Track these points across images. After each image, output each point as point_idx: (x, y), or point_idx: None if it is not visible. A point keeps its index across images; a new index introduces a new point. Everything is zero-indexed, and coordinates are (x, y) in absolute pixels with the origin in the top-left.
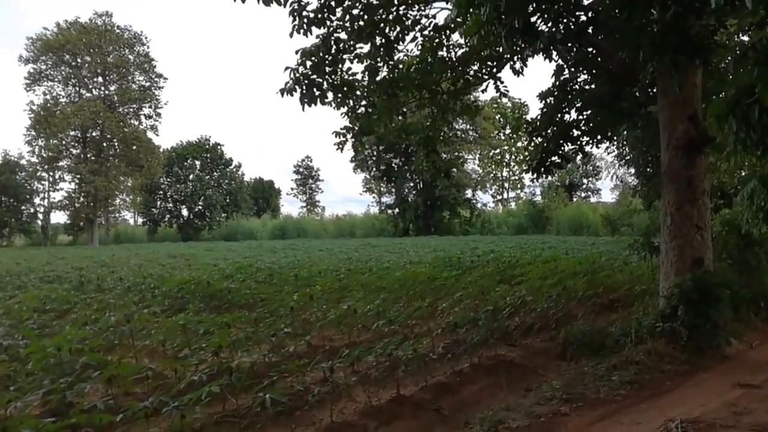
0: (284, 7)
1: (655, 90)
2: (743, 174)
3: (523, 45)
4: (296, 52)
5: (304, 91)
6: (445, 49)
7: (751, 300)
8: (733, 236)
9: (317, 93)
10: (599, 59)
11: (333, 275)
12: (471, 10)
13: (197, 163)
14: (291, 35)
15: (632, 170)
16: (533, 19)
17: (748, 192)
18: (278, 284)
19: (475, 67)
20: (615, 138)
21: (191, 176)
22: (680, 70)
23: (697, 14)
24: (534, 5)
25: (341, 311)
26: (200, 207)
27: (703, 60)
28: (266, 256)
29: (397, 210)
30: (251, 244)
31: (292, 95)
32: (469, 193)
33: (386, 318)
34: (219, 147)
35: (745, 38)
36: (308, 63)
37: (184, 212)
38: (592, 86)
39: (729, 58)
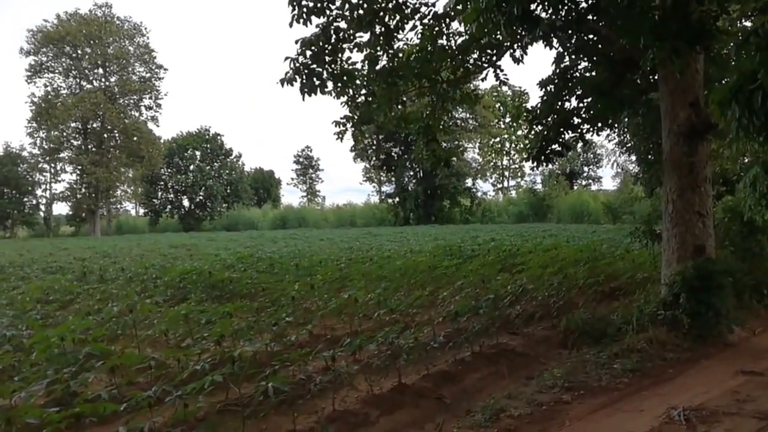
0: None
1: (655, 77)
2: (746, 160)
3: (522, 32)
4: (296, 42)
5: (304, 81)
6: (444, 37)
7: (754, 287)
8: (736, 223)
9: (317, 82)
10: (600, 46)
11: (334, 264)
12: None
13: (197, 153)
14: (290, 25)
15: (633, 157)
16: (532, 6)
17: (751, 179)
18: (279, 274)
19: (475, 56)
20: (616, 125)
21: (192, 167)
22: (681, 56)
23: (698, 0)
24: None
25: (342, 300)
26: (201, 197)
27: (704, 46)
28: (267, 246)
29: (397, 199)
30: (252, 234)
31: (292, 85)
32: (469, 181)
33: (387, 307)
34: (219, 137)
35: (748, 24)
36: (308, 52)
37: (185, 203)
38: (593, 73)
39: (731, 44)
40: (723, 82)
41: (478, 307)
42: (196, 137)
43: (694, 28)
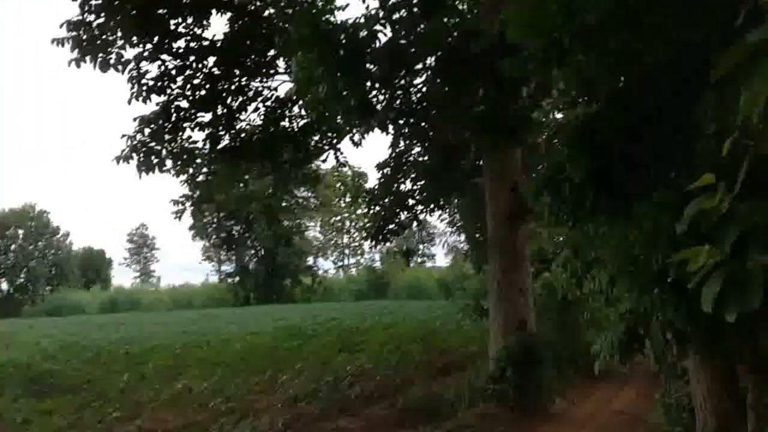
0: (122, 74)
1: (480, 163)
2: (561, 239)
3: (359, 121)
4: (134, 119)
5: (142, 159)
6: (287, 120)
7: (570, 358)
8: (553, 298)
9: (155, 161)
10: (431, 133)
11: (167, 351)
12: (310, 87)
13: (20, 232)
14: (129, 102)
15: (463, 237)
16: (370, 96)
17: (562, 260)
18: (107, 363)
19: (316, 138)
20: (447, 206)
21: (13, 246)
22: (499, 148)
23: (512, 99)
24: (369, 84)
25: (176, 390)
26: (22, 280)
27: (517, 141)
28: (94, 332)
29: (237, 278)
30: (79, 319)
31: (128, 163)
32: (310, 260)
33: (224, 395)
34: (45, 215)
35: (560, 115)
36: (147, 130)
37: (4, 286)
38: (426, 158)
39: (545, 134)
40: (540, 168)
41: (317, 390)
42: (19, 215)
43: (510, 123)
